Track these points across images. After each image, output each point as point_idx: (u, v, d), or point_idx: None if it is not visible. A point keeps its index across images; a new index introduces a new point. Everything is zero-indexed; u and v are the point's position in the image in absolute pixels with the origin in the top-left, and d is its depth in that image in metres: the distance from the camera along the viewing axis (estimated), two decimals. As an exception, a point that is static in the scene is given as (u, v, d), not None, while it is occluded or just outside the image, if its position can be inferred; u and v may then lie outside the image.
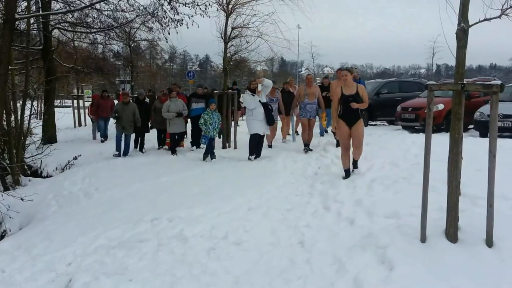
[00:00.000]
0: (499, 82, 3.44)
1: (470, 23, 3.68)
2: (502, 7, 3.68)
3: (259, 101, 9.49)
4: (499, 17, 3.71)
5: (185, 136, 12.72)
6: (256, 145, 9.57)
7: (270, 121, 9.74)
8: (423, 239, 3.90)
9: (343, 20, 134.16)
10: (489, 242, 3.64)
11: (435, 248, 3.74)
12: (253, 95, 9.58)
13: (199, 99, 12.02)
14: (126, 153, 11.53)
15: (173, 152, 11.17)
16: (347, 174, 7.09)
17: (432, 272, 3.43)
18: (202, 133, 10.24)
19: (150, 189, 7.83)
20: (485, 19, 3.70)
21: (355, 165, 7.33)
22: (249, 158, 9.39)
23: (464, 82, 3.72)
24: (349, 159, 7.11)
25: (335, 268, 3.93)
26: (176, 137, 11.56)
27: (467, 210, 4.44)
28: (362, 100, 7.04)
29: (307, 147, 10.05)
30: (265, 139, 10.17)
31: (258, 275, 4.04)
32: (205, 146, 10.20)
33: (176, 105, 11.24)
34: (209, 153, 10.15)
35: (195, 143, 11.69)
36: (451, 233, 3.81)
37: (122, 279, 4.26)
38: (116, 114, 11.44)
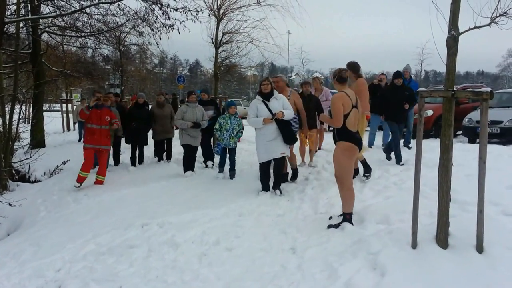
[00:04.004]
0: (489, 89, 3.48)
1: (460, 31, 3.73)
2: (492, 15, 3.73)
3: (272, 113, 6.76)
4: (489, 25, 3.76)
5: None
6: (267, 176, 7.05)
7: (289, 138, 6.85)
8: (414, 245, 3.92)
9: (332, 26, 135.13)
10: (480, 248, 3.67)
11: (426, 254, 3.76)
12: (265, 102, 6.87)
13: (206, 106, 9.61)
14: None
15: (189, 168, 9.04)
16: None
17: (423, 278, 3.45)
18: (217, 141, 8.50)
19: (140, 194, 7.78)
20: (475, 27, 3.76)
21: (344, 218, 5.15)
22: (262, 190, 6.96)
23: (454, 89, 3.76)
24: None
25: (327, 274, 3.93)
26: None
27: (457, 215, 4.49)
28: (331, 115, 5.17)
29: (287, 176, 7.61)
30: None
31: (250, 281, 4.03)
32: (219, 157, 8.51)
33: (193, 113, 8.93)
34: (223, 165, 8.47)
35: (208, 157, 9.77)
36: (442, 239, 3.84)
37: (112, 286, 4.22)
38: None
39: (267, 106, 6.83)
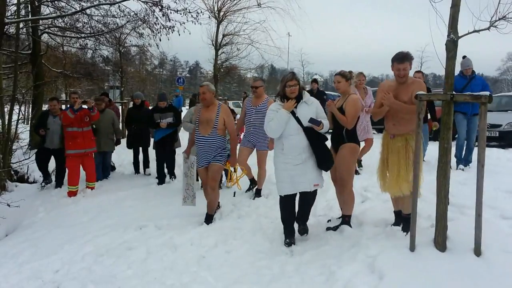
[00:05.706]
0: (487, 93, 3.49)
1: (460, 35, 3.73)
2: (491, 19, 3.74)
3: (301, 124, 4.73)
4: (488, 29, 3.77)
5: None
6: (291, 216, 4.97)
7: (325, 160, 4.78)
8: (412, 248, 3.92)
9: (332, 29, 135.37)
10: (477, 251, 3.67)
11: (424, 257, 3.76)
12: (292, 110, 4.74)
13: (164, 113, 8.53)
14: (105, 175, 9.36)
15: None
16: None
17: (421, 281, 3.44)
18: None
19: (138, 196, 7.78)
20: (474, 31, 3.77)
21: (343, 220, 5.16)
22: (285, 243, 4.83)
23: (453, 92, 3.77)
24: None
25: (325, 277, 3.93)
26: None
27: (456, 219, 4.50)
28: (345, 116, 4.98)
29: (257, 193, 7.01)
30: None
31: (248, 283, 4.02)
32: None
33: None
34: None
35: (161, 177, 8.74)
36: (440, 242, 3.84)
37: None
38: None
39: (294, 114, 4.77)
